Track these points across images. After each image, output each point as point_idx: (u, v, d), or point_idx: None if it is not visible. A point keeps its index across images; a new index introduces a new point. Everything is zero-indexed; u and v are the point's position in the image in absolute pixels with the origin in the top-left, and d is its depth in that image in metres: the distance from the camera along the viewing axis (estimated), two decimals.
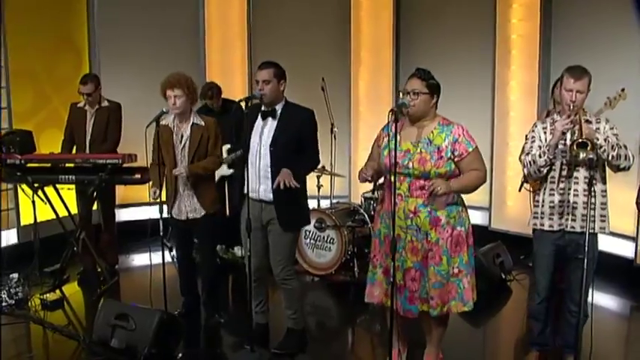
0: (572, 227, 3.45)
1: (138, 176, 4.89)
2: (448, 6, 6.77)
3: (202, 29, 7.05)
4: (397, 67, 7.19)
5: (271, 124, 3.84)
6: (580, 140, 3.19)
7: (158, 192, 4.26)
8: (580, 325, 3.59)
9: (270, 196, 3.83)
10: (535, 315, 3.73)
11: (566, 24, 5.90)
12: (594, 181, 3.40)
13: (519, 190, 5.53)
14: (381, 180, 3.85)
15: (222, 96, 5.94)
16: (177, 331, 3.95)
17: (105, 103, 5.46)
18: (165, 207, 4.30)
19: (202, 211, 4.35)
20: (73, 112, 5.49)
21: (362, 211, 5.72)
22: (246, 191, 3.74)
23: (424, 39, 6.97)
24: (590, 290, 3.42)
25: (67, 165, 5.04)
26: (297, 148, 3.80)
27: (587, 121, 3.41)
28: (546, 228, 3.53)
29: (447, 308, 3.41)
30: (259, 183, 3.83)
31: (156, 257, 6.16)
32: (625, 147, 3.32)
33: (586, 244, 2.82)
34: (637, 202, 3.50)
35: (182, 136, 4.30)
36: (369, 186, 6.34)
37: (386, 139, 3.45)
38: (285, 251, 3.92)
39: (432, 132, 3.35)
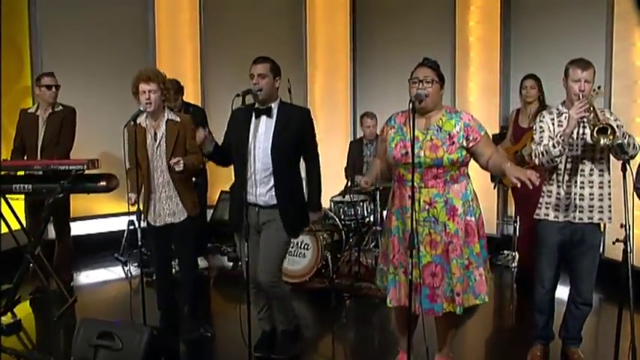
0: (580, 219, 3.47)
1: (103, 184, 4.45)
2: (406, 7, 6.78)
3: (152, 31, 6.70)
4: (354, 70, 7.13)
5: (267, 124, 3.62)
6: (601, 126, 3.20)
7: (135, 198, 3.96)
8: (585, 316, 3.66)
9: (265, 200, 3.62)
10: (540, 307, 3.71)
11: (525, 25, 6.04)
12: (601, 172, 3.45)
13: (495, 187, 5.59)
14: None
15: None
16: (169, 349, 3.63)
17: (59, 108, 5.06)
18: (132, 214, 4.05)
19: (182, 215, 4.06)
20: (24, 118, 5.05)
21: (332, 214, 5.58)
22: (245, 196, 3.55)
23: (382, 41, 6.94)
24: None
25: (20, 173, 4.56)
26: (296, 150, 3.63)
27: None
28: (551, 219, 3.54)
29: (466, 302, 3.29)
30: (255, 186, 3.61)
31: (110, 273, 5.89)
32: (630, 135, 3.37)
33: (629, 233, 2.77)
34: (636, 187, 3.56)
35: (156, 134, 4.01)
36: (337, 190, 6.24)
37: (391, 132, 3.34)
38: (274, 256, 3.70)
39: (441, 119, 3.26)
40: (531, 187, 2.95)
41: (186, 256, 4.25)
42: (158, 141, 3.99)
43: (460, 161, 3.24)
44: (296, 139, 3.59)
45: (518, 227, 5.69)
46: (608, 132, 3.18)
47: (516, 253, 5.83)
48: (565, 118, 3.47)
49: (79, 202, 5.89)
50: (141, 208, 4.11)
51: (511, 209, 6.17)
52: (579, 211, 3.47)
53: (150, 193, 4.02)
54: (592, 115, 3.30)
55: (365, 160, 6.24)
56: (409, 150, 3.17)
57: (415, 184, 3.20)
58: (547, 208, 3.56)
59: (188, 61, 6.83)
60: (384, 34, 6.93)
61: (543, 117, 3.57)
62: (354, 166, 6.22)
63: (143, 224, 4.07)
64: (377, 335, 4.63)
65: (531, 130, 5.09)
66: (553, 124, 3.50)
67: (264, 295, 3.86)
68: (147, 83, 3.91)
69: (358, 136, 6.77)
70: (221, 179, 6.50)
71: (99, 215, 6.51)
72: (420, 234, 3.22)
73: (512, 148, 5.29)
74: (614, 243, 2.88)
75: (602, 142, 3.20)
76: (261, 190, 3.61)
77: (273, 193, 3.61)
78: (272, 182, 3.60)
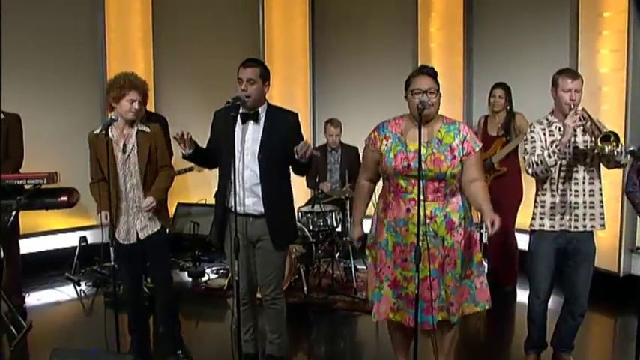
0: (575, 227, 3.47)
1: (64, 199, 4.17)
2: (367, 13, 6.71)
3: (102, 36, 6.31)
4: (313, 77, 6.99)
5: (254, 129, 3.44)
6: (603, 134, 3.19)
7: (107, 215, 3.58)
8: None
9: (259, 210, 3.43)
10: (534, 317, 3.68)
11: (488, 31, 6.08)
12: (592, 180, 3.45)
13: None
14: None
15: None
16: None
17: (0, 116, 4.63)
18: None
19: (155, 227, 3.73)
20: None
21: (301, 225, 5.39)
22: (231, 206, 3.35)
23: (342, 47, 6.88)
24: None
25: None
26: (284, 156, 3.41)
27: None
28: (547, 229, 3.52)
29: (461, 311, 3.23)
30: (246, 195, 3.40)
31: (61, 294, 5.48)
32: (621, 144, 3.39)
33: None
34: (626, 192, 3.62)
35: (125, 147, 3.66)
36: (303, 199, 6.07)
37: (387, 141, 3.20)
38: (276, 268, 3.55)
39: (440, 131, 3.17)
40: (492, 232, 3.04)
41: (162, 272, 3.93)
42: (127, 154, 3.66)
43: (459, 174, 3.18)
44: (284, 144, 3.38)
45: (485, 233, 5.67)
46: (611, 139, 3.18)
47: (484, 259, 5.82)
48: (555, 128, 3.47)
49: (24, 218, 5.45)
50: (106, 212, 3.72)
51: (478, 214, 6.17)
52: (574, 220, 3.46)
53: (118, 210, 3.68)
54: (589, 123, 3.30)
55: (329, 168, 6.10)
56: (411, 162, 3.08)
57: (415, 197, 3.09)
58: (542, 218, 3.53)
59: (140, 67, 6.45)
60: (345, 40, 6.86)
61: (534, 127, 3.54)
62: (318, 173, 6.06)
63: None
64: (356, 350, 4.52)
65: (500, 138, 5.20)
66: (544, 134, 3.49)
67: (253, 314, 3.66)
68: (135, 92, 3.60)
69: (318, 143, 6.63)
70: (178, 192, 6.20)
71: (46, 231, 6.05)
72: (419, 248, 3.09)
73: (481, 155, 5.29)
74: (632, 251, 2.85)
75: (606, 149, 3.20)
76: (254, 199, 3.42)
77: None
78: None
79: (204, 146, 3.61)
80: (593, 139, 3.29)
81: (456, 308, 3.19)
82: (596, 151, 3.29)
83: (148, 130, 3.72)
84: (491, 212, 3.09)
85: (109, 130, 3.61)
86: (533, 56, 5.66)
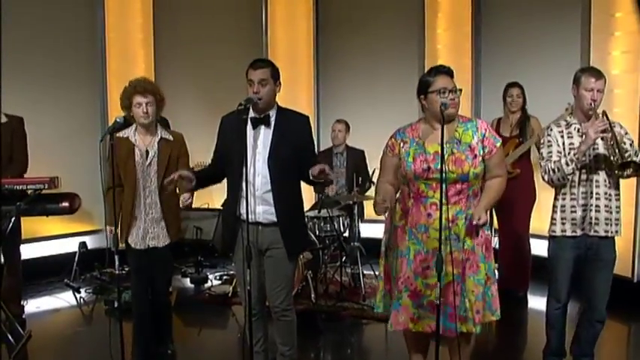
0: (596, 231, 3.35)
1: (65, 205, 4.05)
2: (372, 14, 6.62)
3: (101, 37, 6.18)
4: (317, 79, 6.88)
5: (265, 134, 3.28)
6: (621, 162, 3.16)
7: (114, 230, 3.58)
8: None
9: (270, 218, 3.29)
10: (553, 322, 3.56)
11: (497, 31, 5.99)
12: (610, 184, 3.35)
13: None
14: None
15: None
16: None
17: (3, 119, 4.48)
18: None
19: (166, 240, 3.80)
20: None
21: (308, 231, 5.27)
22: (241, 213, 3.23)
23: (347, 49, 6.78)
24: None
25: None
26: (296, 160, 3.27)
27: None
28: (568, 234, 3.40)
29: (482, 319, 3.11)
30: (256, 204, 3.26)
31: (60, 301, 5.33)
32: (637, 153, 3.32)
33: None
34: None
35: (148, 153, 3.71)
36: (308, 204, 5.93)
37: (405, 146, 3.10)
38: (286, 279, 3.39)
39: (457, 130, 3.07)
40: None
41: (162, 282, 3.99)
42: (149, 160, 3.71)
43: (482, 174, 3.07)
44: (295, 149, 3.25)
45: (498, 238, 5.56)
46: (631, 167, 3.16)
47: (496, 265, 5.70)
48: (574, 129, 3.36)
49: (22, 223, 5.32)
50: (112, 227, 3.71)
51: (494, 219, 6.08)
52: (595, 224, 3.35)
53: (134, 213, 3.72)
54: (610, 134, 3.21)
55: (335, 172, 5.97)
56: (431, 165, 2.98)
57: (437, 200, 2.98)
58: (563, 223, 3.41)
59: (140, 68, 6.33)
60: (349, 41, 6.75)
61: (551, 130, 3.43)
62: None
63: (121, 246, 3.66)
64: (365, 359, 4.42)
65: (514, 139, 5.09)
66: (562, 137, 3.38)
67: (264, 324, 3.53)
68: (144, 96, 3.66)
69: (323, 146, 6.51)
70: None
71: (45, 237, 5.90)
72: (442, 252, 2.98)
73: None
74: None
75: (625, 174, 3.19)
76: (265, 207, 3.28)
77: (274, 210, 3.29)
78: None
79: (211, 153, 3.50)
80: (612, 158, 3.23)
81: (481, 316, 3.07)
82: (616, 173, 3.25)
83: (170, 138, 3.81)
84: (483, 210, 3.00)
85: (132, 134, 3.72)
86: (542, 57, 5.56)
